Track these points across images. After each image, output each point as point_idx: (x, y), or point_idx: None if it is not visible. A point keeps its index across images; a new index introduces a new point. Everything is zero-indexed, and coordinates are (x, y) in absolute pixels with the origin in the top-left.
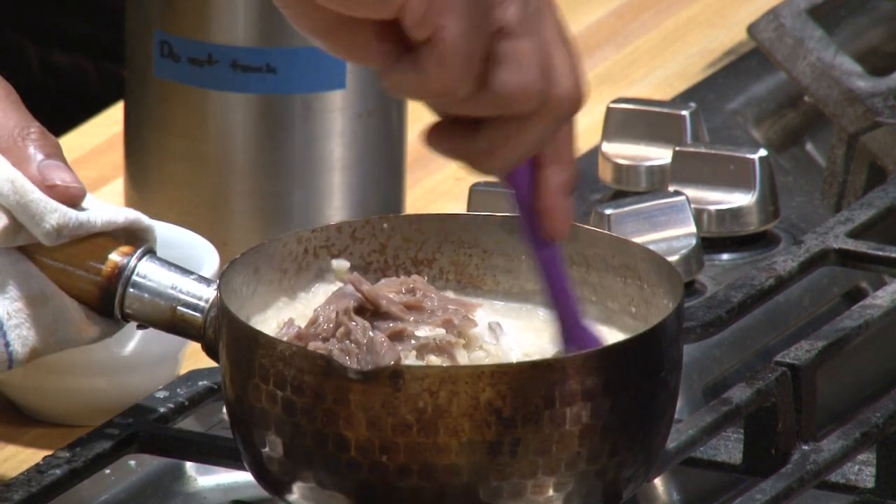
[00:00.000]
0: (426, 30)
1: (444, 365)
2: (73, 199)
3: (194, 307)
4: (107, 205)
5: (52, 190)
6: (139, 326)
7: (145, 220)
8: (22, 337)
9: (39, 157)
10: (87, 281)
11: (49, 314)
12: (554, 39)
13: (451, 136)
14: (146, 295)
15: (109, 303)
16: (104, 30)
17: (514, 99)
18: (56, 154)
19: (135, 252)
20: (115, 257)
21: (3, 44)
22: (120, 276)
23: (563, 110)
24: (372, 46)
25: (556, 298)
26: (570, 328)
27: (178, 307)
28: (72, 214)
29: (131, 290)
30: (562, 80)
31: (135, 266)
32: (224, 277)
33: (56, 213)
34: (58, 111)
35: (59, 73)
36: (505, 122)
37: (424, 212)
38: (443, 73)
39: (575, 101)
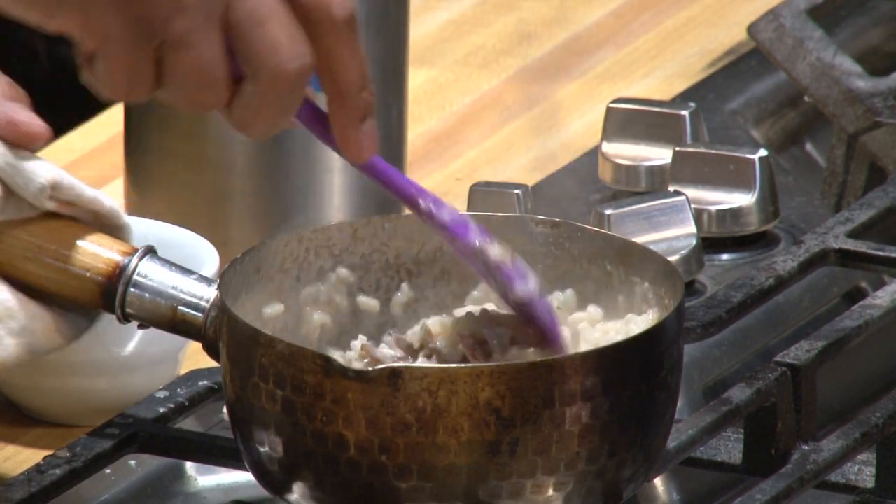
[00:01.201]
0: (88, 46)
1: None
2: (33, 137)
3: (195, 307)
4: (94, 189)
5: (13, 126)
6: (140, 326)
7: (124, 217)
8: None
9: (1, 99)
10: (87, 281)
11: (15, 327)
12: (249, 25)
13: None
14: (147, 295)
15: (110, 302)
16: None
17: (188, 106)
18: (20, 100)
19: (135, 252)
20: (116, 257)
21: (11, 37)
22: (121, 275)
23: (277, 87)
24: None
25: (399, 192)
26: (424, 206)
27: (179, 307)
28: (64, 173)
29: (132, 289)
30: (260, 65)
31: (136, 266)
32: (225, 277)
33: (48, 170)
34: (67, 104)
35: (67, 66)
36: (241, 101)
37: None
38: (110, 81)
39: (286, 75)
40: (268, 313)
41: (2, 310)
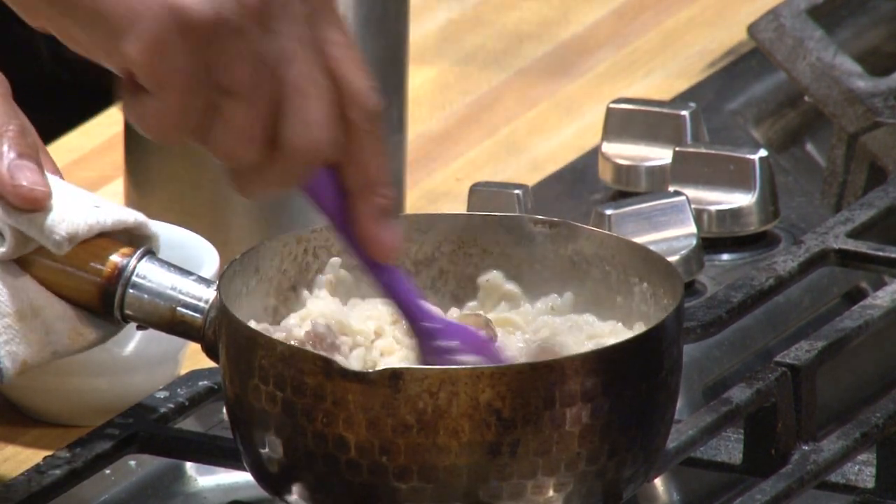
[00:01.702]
0: (149, 82)
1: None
2: (35, 202)
3: (194, 308)
4: (116, 205)
5: (17, 190)
6: (139, 327)
7: (152, 226)
8: (11, 353)
9: (12, 155)
10: (86, 282)
11: (40, 326)
12: (295, 93)
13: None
14: (146, 296)
15: (109, 303)
16: None
17: (222, 156)
18: (29, 154)
19: (134, 253)
20: (114, 258)
21: (14, 36)
22: (120, 276)
23: (293, 160)
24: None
25: (406, 314)
26: (426, 343)
27: (178, 308)
28: (80, 221)
29: (131, 290)
30: (291, 135)
31: (134, 267)
32: (224, 278)
33: (64, 223)
34: (69, 103)
35: (70, 65)
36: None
37: (424, 212)
38: (159, 122)
39: (306, 153)
40: (268, 314)
41: (28, 308)
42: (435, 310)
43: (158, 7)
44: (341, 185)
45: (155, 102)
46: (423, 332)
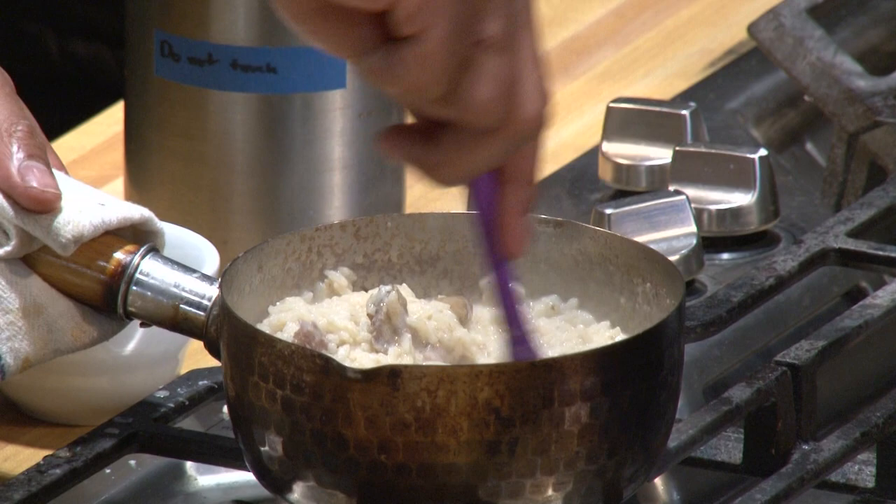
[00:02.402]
0: (414, 26)
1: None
2: (46, 203)
3: (197, 305)
4: (121, 202)
5: (28, 192)
6: (142, 325)
7: (157, 221)
8: (14, 350)
9: (21, 155)
10: (90, 279)
11: (43, 324)
12: (529, 61)
13: (408, 141)
14: (149, 293)
15: (112, 300)
16: (123, 18)
17: (478, 111)
18: (39, 155)
19: (138, 250)
20: (118, 255)
21: (22, 33)
22: (123, 273)
23: (523, 131)
24: (353, 34)
25: (506, 313)
26: (517, 343)
27: (181, 305)
28: (85, 222)
29: (134, 287)
30: (528, 102)
31: (138, 264)
32: (226, 275)
33: (70, 225)
34: (77, 100)
35: (78, 61)
36: (464, 134)
37: (424, 211)
38: (420, 70)
39: (537, 125)
40: (270, 312)
41: (32, 305)
42: (527, 318)
43: None
44: (499, 175)
45: (417, 50)
46: (513, 331)
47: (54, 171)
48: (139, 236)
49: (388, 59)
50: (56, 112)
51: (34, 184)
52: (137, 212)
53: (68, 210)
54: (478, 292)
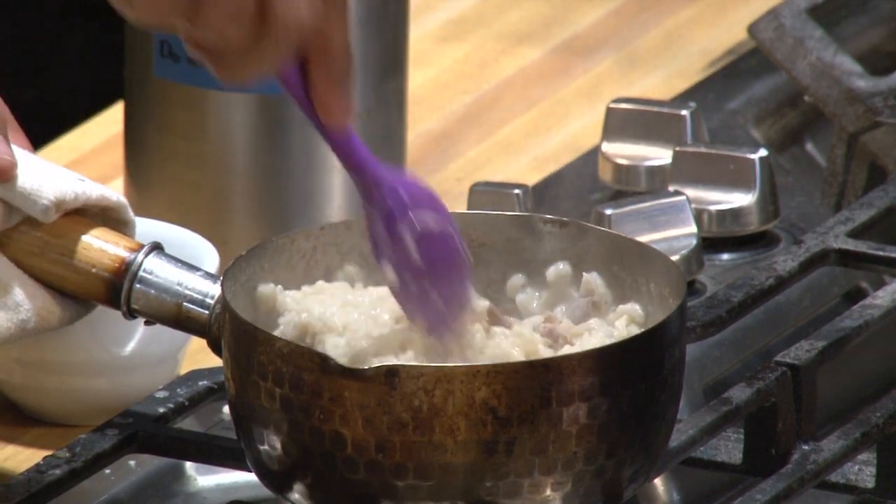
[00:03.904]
0: None
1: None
2: (1, 172)
3: (200, 303)
4: (98, 184)
5: None
6: (146, 322)
7: (130, 212)
8: None
9: None
10: (93, 276)
11: (10, 303)
12: None
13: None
14: (152, 291)
15: (116, 298)
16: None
17: (217, 35)
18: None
19: (142, 248)
20: (122, 253)
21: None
22: (127, 271)
23: (282, 37)
24: None
25: (358, 170)
26: (383, 189)
27: (184, 303)
28: (66, 187)
29: (138, 285)
30: (279, 13)
31: (142, 262)
32: (229, 273)
33: (51, 189)
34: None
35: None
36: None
37: None
38: (152, 5)
39: (296, 29)
40: (273, 311)
41: None
42: (389, 171)
43: None
44: (303, 56)
45: None
46: (373, 197)
47: (22, 150)
48: (109, 224)
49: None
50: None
51: None
52: (114, 195)
53: (48, 177)
54: (482, 291)
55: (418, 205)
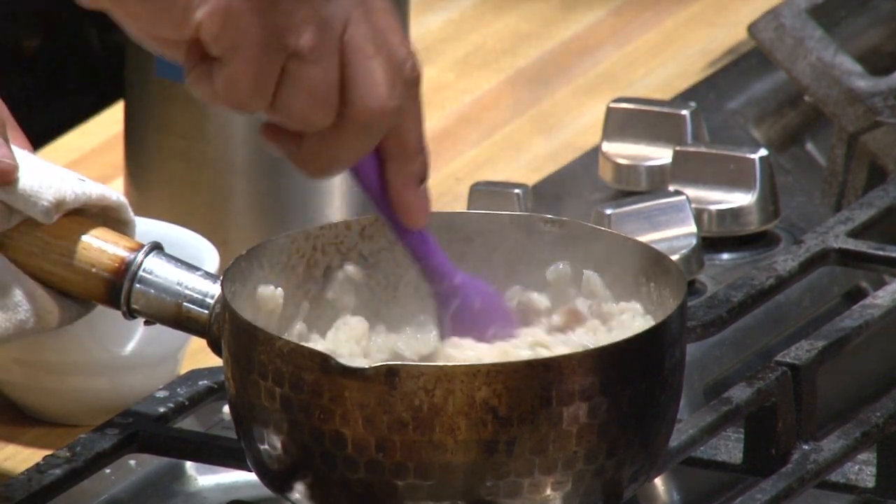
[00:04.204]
0: (220, 49)
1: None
2: (2, 174)
3: (200, 303)
4: (98, 183)
5: None
6: (146, 322)
7: (130, 212)
8: None
9: None
10: (93, 276)
11: (9, 303)
12: (360, 58)
13: (278, 137)
14: (152, 291)
15: (116, 298)
16: None
17: (297, 120)
18: None
19: (142, 248)
20: (122, 253)
21: (63, 26)
22: (127, 271)
23: (367, 125)
24: (178, 53)
25: (432, 277)
26: (456, 305)
27: (184, 303)
28: (66, 188)
29: (138, 285)
30: (364, 98)
31: (142, 262)
32: (229, 273)
33: (51, 189)
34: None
35: (120, 50)
36: (314, 136)
37: None
38: (233, 87)
39: (381, 114)
40: (274, 310)
41: None
42: (457, 274)
43: None
44: (380, 153)
45: (226, 69)
46: (442, 298)
47: (22, 150)
48: (110, 224)
49: (205, 76)
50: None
51: None
52: (114, 194)
53: (48, 177)
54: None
55: (482, 309)
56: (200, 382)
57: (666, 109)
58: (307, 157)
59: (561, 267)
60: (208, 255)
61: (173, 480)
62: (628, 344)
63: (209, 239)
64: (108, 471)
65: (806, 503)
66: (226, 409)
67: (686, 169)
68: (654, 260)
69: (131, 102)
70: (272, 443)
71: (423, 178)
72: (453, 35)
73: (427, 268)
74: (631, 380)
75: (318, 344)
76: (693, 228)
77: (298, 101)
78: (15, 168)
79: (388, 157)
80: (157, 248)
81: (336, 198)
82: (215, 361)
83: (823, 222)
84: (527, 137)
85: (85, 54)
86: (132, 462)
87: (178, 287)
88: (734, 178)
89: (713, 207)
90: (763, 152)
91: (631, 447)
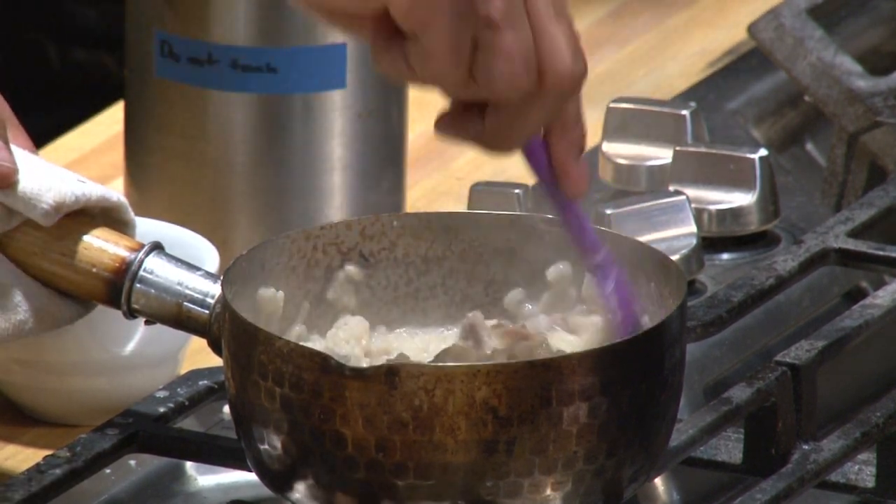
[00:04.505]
0: (412, 23)
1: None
2: (1, 178)
3: (201, 303)
4: (98, 184)
5: None
6: (147, 322)
7: (131, 212)
8: None
9: None
10: (94, 276)
11: (8, 304)
12: (546, 22)
13: (458, 121)
14: (153, 290)
15: (116, 298)
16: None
17: (502, 87)
18: None
19: (142, 247)
20: (122, 252)
21: (23, 41)
22: (127, 271)
23: (559, 91)
24: (364, 31)
25: (587, 251)
26: (603, 269)
27: (185, 303)
28: (66, 190)
29: (138, 285)
30: (554, 63)
31: (142, 261)
32: (229, 273)
33: (51, 192)
34: (79, 107)
35: (79, 68)
36: (505, 107)
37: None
38: (430, 63)
39: (571, 80)
40: (274, 310)
41: None
42: (605, 249)
43: None
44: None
45: (419, 45)
46: (601, 270)
47: (23, 151)
48: (110, 224)
49: (398, 55)
50: (57, 117)
51: None
52: (115, 195)
53: (48, 179)
54: (483, 291)
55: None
56: (200, 382)
57: (666, 109)
58: (497, 134)
59: (561, 267)
60: (208, 255)
61: (173, 480)
62: (628, 344)
63: (209, 239)
64: (108, 471)
65: (806, 503)
66: (226, 409)
67: (686, 169)
68: (654, 260)
69: (131, 102)
70: (272, 443)
71: (582, 147)
72: None
73: (584, 241)
74: (631, 380)
75: (318, 344)
76: (693, 228)
77: (500, 68)
78: (14, 171)
79: (552, 131)
80: (157, 247)
81: (336, 198)
82: (215, 361)
83: (823, 222)
84: None
85: (45, 72)
86: (132, 462)
87: (179, 287)
88: (734, 178)
89: (713, 207)
90: (763, 152)
91: (631, 447)
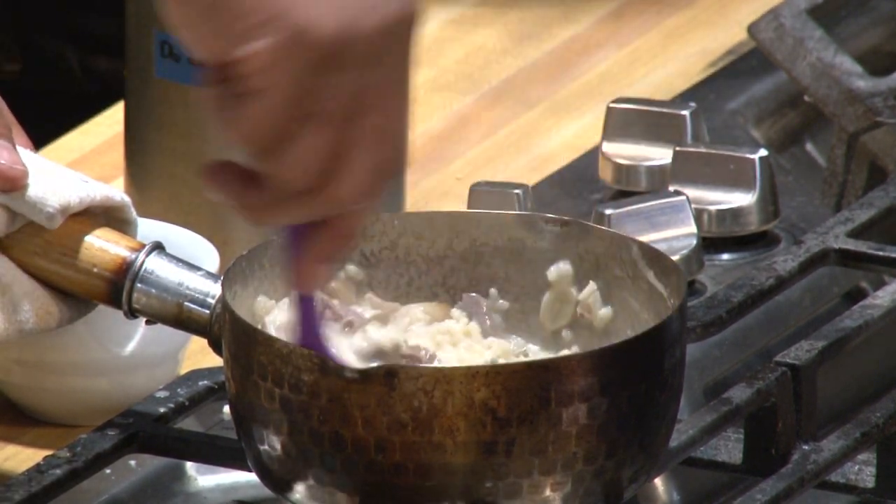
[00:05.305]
0: (257, 83)
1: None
2: (12, 181)
3: (201, 303)
4: (101, 183)
5: None
6: (147, 322)
7: (133, 211)
8: None
9: None
10: (95, 276)
11: (8, 303)
12: (367, 145)
13: (231, 179)
14: (154, 290)
15: (117, 297)
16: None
17: (290, 175)
18: (4, 134)
19: (143, 247)
20: (123, 252)
21: (44, 50)
22: (128, 271)
23: (336, 205)
24: (214, 57)
25: (304, 336)
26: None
27: (185, 303)
28: (71, 193)
29: (139, 285)
30: (346, 181)
31: (143, 261)
32: (229, 273)
33: (56, 196)
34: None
35: (100, 77)
36: (282, 189)
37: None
38: (250, 123)
39: (351, 203)
40: (274, 310)
41: None
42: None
43: (294, 16)
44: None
45: (252, 107)
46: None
47: (27, 152)
48: (112, 224)
49: (229, 103)
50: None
51: (1, 161)
52: (118, 194)
53: (52, 182)
54: (484, 291)
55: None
56: (200, 382)
57: (666, 109)
58: (259, 208)
59: (562, 266)
60: (208, 256)
61: (173, 480)
62: (628, 344)
63: (209, 239)
64: (108, 471)
65: (806, 503)
66: (226, 409)
67: (686, 169)
68: (653, 260)
69: (131, 102)
70: (272, 443)
71: (336, 259)
72: (453, 35)
73: (302, 328)
74: (631, 380)
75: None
76: (693, 228)
77: (297, 157)
78: (25, 174)
79: (323, 227)
80: (158, 247)
81: None
82: (215, 361)
83: (823, 222)
84: (527, 137)
85: (66, 79)
86: (132, 462)
87: (180, 287)
88: (734, 178)
89: (713, 207)
90: (763, 152)
91: (631, 447)
